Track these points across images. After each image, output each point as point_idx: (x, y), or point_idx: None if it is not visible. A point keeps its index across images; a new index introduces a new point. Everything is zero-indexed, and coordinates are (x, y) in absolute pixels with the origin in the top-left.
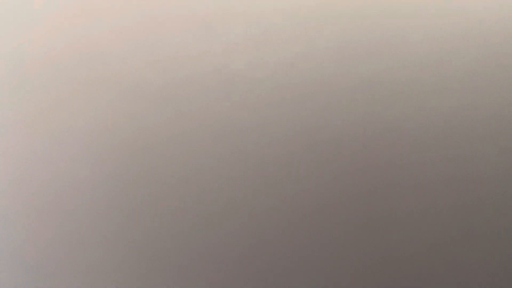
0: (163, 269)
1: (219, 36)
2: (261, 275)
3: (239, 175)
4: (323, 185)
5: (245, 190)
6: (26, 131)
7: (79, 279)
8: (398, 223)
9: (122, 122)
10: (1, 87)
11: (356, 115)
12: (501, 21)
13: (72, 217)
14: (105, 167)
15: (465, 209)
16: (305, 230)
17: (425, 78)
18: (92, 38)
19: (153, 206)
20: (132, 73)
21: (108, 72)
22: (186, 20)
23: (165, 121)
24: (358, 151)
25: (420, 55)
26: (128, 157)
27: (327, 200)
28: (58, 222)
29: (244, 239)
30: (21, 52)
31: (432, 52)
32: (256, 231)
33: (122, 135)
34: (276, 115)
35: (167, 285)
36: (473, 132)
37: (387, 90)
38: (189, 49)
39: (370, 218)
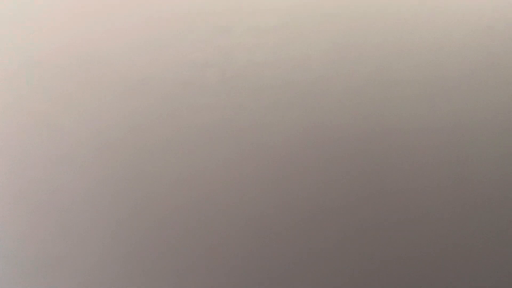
0: (162, 270)
1: (219, 36)
2: (260, 277)
3: (239, 175)
4: (322, 185)
5: (245, 191)
6: (24, 130)
7: (77, 279)
8: (397, 225)
9: (122, 122)
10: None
11: (355, 116)
12: (502, 21)
13: (71, 217)
14: (104, 166)
15: (466, 213)
16: (305, 232)
17: (425, 79)
18: (92, 37)
19: (153, 206)
20: (132, 73)
21: (108, 72)
22: (186, 20)
23: (166, 121)
24: (358, 152)
25: (420, 55)
26: (128, 157)
27: (326, 201)
28: (57, 222)
29: (243, 240)
30: (20, 52)
31: (432, 52)
32: (256, 231)
33: (122, 134)
34: (277, 115)
35: (166, 286)
36: (474, 134)
37: (387, 90)
38: (189, 49)
39: (370, 221)
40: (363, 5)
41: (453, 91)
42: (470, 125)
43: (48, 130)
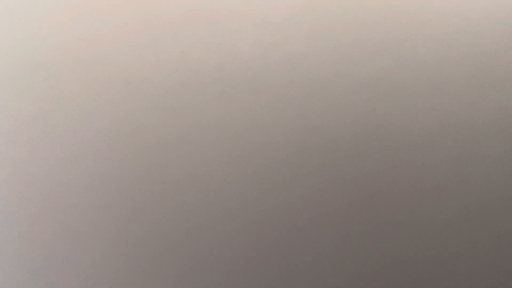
0: (163, 270)
1: (220, 36)
2: (261, 277)
3: (238, 175)
4: (322, 185)
5: (245, 191)
6: (26, 130)
7: (78, 279)
8: (396, 225)
9: (122, 121)
10: (1, 86)
11: (356, 115)
12: (501, 21)
13: (72, 217)
14: (105, 166)
15: (466, 212)
16: (304, 232)
17: (425, 78)
18: (92, 37)
19: (153, 206)
20: (133, 73)
21: (108, 72)
22: (186, 19)
23: (166, 120)
24: (358, 152)
25: (420, 55)
26: (129, 157)
27: (326, 201)
28: (58, 221)
29: (242, 241)
30: (21, 52)
31: (432, 52)
32: (255, 231)
33: (123, 134)
34: (277, 115)
35: (167, 286)
36: (474, 134)
37: (387, 90)
38: (190, 49)
39: (368, 221)
40: (364, 5)
41: (453, 91)
42: (469, 125)
43: (49, 129)
